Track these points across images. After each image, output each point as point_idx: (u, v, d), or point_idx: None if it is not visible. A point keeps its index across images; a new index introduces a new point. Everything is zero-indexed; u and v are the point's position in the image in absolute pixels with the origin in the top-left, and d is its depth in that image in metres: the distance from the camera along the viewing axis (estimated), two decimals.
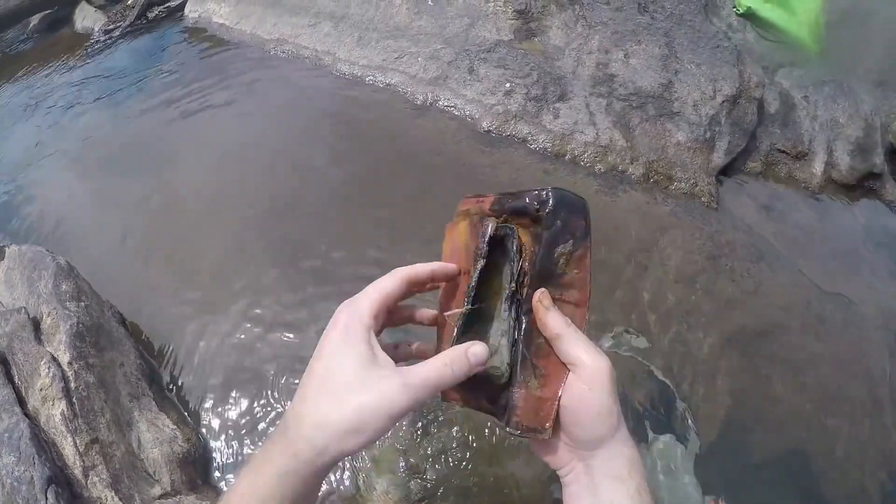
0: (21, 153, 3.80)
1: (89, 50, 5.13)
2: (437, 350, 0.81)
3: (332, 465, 0.69)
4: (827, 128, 3.02)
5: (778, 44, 3.40)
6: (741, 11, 3.44)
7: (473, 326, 0.80)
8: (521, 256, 0.76)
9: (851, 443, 2.03)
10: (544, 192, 0.74)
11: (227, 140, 3.28)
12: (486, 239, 0.78)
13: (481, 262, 0.78)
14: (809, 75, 3.24)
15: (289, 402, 2.02)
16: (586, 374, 0.71)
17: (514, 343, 0.76)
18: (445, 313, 0.84)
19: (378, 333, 0.75)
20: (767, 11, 3.43)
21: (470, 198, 0.88)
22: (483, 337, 0.79)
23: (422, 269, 0.80)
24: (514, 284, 0.76)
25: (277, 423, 0.73)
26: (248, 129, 3.32)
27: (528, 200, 0.75)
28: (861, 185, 2.99)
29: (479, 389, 0.79)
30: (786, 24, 3.41)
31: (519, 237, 0.77)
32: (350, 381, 0.67)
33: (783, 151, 2.92)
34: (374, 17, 3.54)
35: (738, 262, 2.41)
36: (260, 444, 2.01)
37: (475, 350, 0.72)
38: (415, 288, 0.81)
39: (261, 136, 3.24)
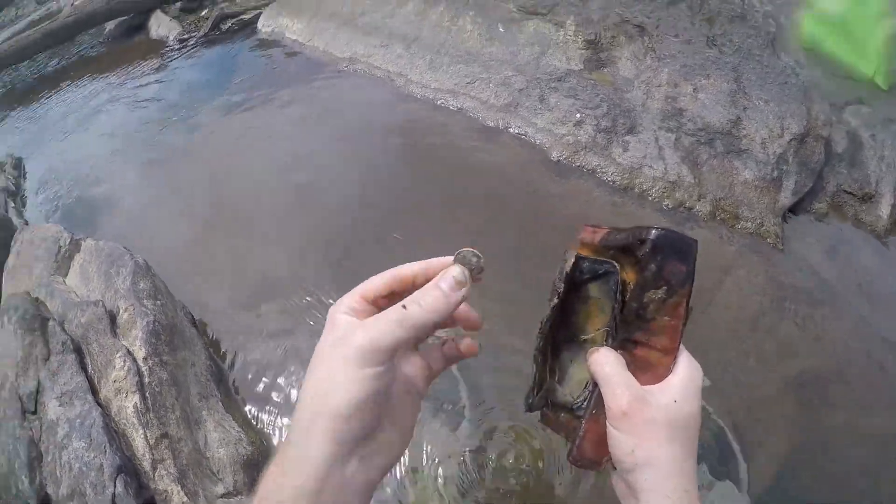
0: (94, 153, 3.97)
1: (164, 58, 5.32)
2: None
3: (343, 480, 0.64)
4: (894, 168, 3.00)
5: (845, 80, 3.39)
6: (808, 46, 3.45)
7: (561, 354, 0.82)
8: (623, 295, 0.74)
9: None
10: (646, 232, 0.70)
11: (295, 154, 3.39)
12: (563, 276, 0.77)
13: (555, 301, 0.77)
14: (877, 113, 3.22)
15: None
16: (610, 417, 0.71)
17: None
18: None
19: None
20: (833, 46, 3.43)
21: (588, 227, 0.83)
22: (582, 370, 0.79)
23: (407, 267, 0.73)
24: (613, 323, 0.75)
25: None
26: (317, 144, 3.44)
27: (630, 238, 0.72)
28: None
29: (570, 422, 0.79)
30: (852, 59, 3.41)
31: (625, 275, 0.74)
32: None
33: (850, 192, 2.92)
34: (445, 40, 3.63)
35: (801, 306, 2.43)
36: None
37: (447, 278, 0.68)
38: (405, 287, 0.72)
39: (330, 153, 3.35)
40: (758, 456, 2.04)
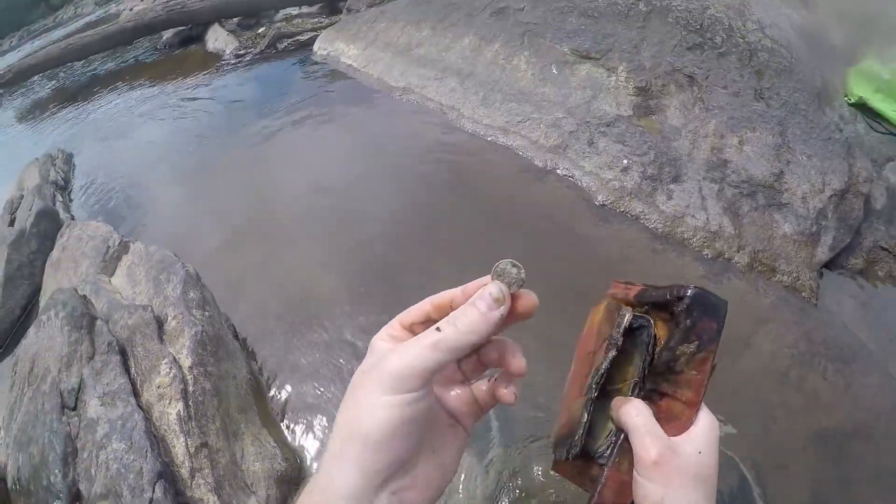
0: (141, 158, 4.13)
1: (219, 70, 5.51)
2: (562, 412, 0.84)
3: None
4: None
5: (888, 135, 3.46)
6: (853, 101, 3.54)
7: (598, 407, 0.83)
8: (653, 349, 0.77)
9: None
10: (683, 290, 0.74)
11: (341, 177, 3.52)
12: (622, 329, 0.78)
13: (613, 353, 0.78)
14: None
15: None
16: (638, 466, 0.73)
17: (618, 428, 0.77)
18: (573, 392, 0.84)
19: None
20: (878, 102, 3.50)
21: (620, 283, 0.86)
22: (603, 418, 0.81)
23: (447, 292, 0.70)
24: (641, 375, 0.78)
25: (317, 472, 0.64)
26: (363, 169, 3.57)
27: (668, 295, 0.75)
28: None
29: (588, 469, 0.81)
30: None
31: (656, 329, 0.77)
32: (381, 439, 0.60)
33: (886, 249, 2.99)
34: (499, 78, 3.77)
35: (832, 361, 2.50)
36: None
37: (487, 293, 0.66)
38: (442, 311, 0.69)
39: (374, 178, 3.48)
40: (780, 503, 2.11)
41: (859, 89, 3.55)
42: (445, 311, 0.68)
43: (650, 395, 0.77)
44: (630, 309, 0.80)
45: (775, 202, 2.95)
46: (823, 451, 2.27)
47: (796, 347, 2.53)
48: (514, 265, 0.69)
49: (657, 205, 2.99)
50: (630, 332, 0.79)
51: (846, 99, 3.54)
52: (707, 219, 2.91)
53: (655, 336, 0.78)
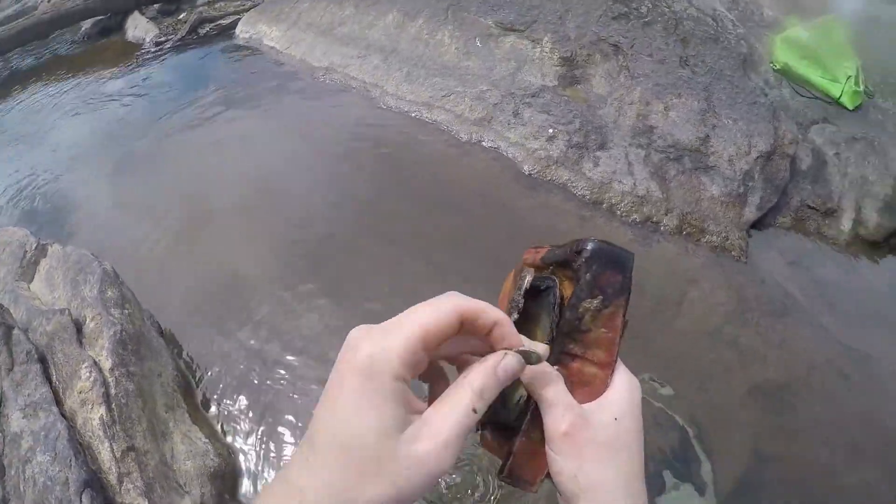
0: (59, 157, 3.92)
1: (139, 59, 5.29)
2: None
3: None
4: (856, 185, 3.09)
5: (812, 100, 3.49)
6: (778, 67, 3.55)
7: None
8: (560, 309, 0.71)
9: (868, 499, 2.07)
10: (582, 244, 0.68)
11: (267, 161, 3.41)
12: (522, 292, 0.74)
13: (515, 316, 0.73)
14: (842, 132, 3.31)
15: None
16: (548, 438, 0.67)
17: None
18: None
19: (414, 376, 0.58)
20: (804, 68, 3.53)
21: (531, 249, 0.80)
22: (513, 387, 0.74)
23: (488, 312, 0.60)
24: (549, 337, 0.71)
25: (275, 480, 0.57)
26: (289, 152, 3.46)
27: (567, 252, 0.70)
28: (888, 243, 3.04)
29: (508, 443, 0.74)
30: (821, 81, 3.51)
31: (562, 289, 0.71)
32: (381, 457, 0.53)
33: (813, 207, 3.01)
34: (423, 53, 3.69)
35: (764, 317, 2.50)
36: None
37: (505, 364, 0.60)
38: (470, 331, 0.60)
39: (302, 161, 3.38)
40: (722, 459, 2.08)
41: (784, 56, 3.57)
42: (477, 328, 0.60)
43: (561, 358, 0.71)
44: (532, 270, 0.75)
45: (702, 165, 2.93)
46: (762, 404, 2.26)
47: (728, 305, 2.52)
48: (536, 356, 0.65)
49: (584, 172, 2.94)
50: (535, 293, 0.74)
51: (771, 65, 3.56)
52: (634, 184, 2.87)
53: (562, 296, 0.71)
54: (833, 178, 3.13)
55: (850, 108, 3.46)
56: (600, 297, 0.68)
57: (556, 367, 0.70)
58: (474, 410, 0.57)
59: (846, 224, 3.01)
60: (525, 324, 0.76)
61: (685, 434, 2.13)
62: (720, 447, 2.12)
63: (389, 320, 0.57)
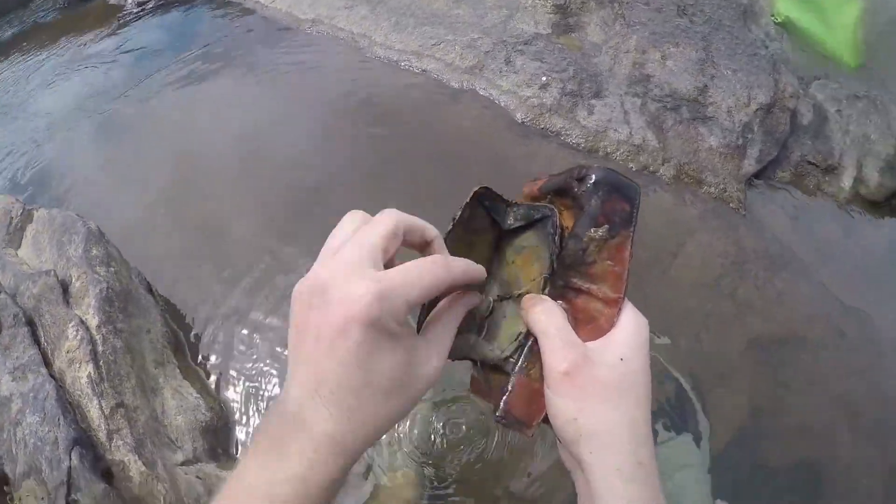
0: (47, 121, 3.83)
1: (121, 21, 5.14)
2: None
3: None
4: (858, 143, 3.00)
5: (814, 55, 3.41)
6: (779, 20, 3.45)
7: (495, 313, 0.72)
8: (561, 240, 0.67)
9: (861, 459, 2.04)
10: (585, 170, 0.64)
11: (256, 117, 3.30)
12: (456, 218, 0.69)
13: (449, 227, 0.69)
14: (844, 89, 3.23)
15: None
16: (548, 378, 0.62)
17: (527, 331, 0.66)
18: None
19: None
20: (806, 22, 3.43)
21: (529, 181, 0.77)
22: (499, 324, 0.71)
23: (426, 228, 0.63)
24: (550, 269, 0.67)
25: (278, 400, 0.58)
26: (277, 107, 3.35)
27: (567, 178, 0.66)
28: (888, 203, 2.97)
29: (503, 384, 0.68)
30: (823, 35, 3.42)
31: (563, 219, 0.67)
32: (393, 387, 0.54)
33: (813, 163, 2.92)
34: (411, 2, 3.56)
35: (762, 270, 2.43)
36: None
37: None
38: (408, 244, 0.63)
39: (290, 116, 3.26)
40: (717, 412, 2.03)
41: (787, 9, 3.46)
42: (414, 243, 0.63)
43: (564, 292, 0.67)
44: (476, 188, 0.72)
45: (700, 116, 2.84)
46: (759, 358, 2.19)
47: (726, 257, 2.44)
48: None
49: (578, 120, 2.83)
50: (532, 225, 0.71)
51: (773, 18, 3.45)
52: (630, 132, 2.77)
53: (562, 226, 0.67)
54: (834, 134, 3.04)
55: (853, 64, 3.37)
56: (606, 226, 0.63)
57: (559, 302, 0.66)
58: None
59: (846, 182, 2.92)
60: (519, 258, 0.73)
61: (680, 386, 2.06)
62: (716, 399, 2.06)
63: (345, 251, 0.57)
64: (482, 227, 0.74)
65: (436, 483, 1.83)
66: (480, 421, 1.91)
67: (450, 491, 1.81)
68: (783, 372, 2.18)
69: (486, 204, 0.73)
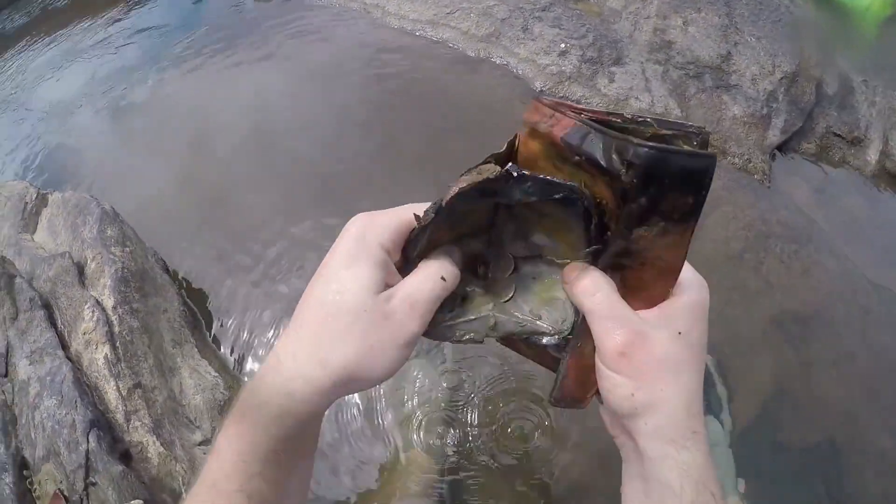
0: (60, 106, 3.79)
1: (129, 2, 5.08)
2: None
3: (331, 403, 0.61)
4: (884, 115, 2.93)
5: (842, 23, 3.33)
6: None
7: (522, 269, 0.65)
8: (598, 217, 0.54)
9: (884, 440, 2.00)
10: (631, 149, 0.47)
11: (268, 92, 3.24)
12: (432, 212, 0.61)
13: (416, 229, 0.63)
14: (871, 59, 3.16)
15: None
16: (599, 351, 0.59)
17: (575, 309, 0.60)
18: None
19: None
20: None
21: (543, 103, 0.62)
22: (528, 286, 0.64)
23: None
24: (596, 238, 0.56)
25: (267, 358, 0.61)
26: (290, 81, 3.29)
27: (608, 157, 0.49)
28: None
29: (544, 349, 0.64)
30: (851, 1, 3.32)
31: (597, 191, 0.53)
32: (356, 309, 0.55)
33: (838, 135, 2.84)
34: None
35: (787, 243, 2.36)
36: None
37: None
38: None
39: (304, 89, 3.20)
40: (741, 389, 1.99)
41: None
42: None
43: (612, 262, 0.58)
44: (493, 166, 0.61)
45: (723, 83, 2.76)
46: (783, 335, 2.14)
47: (751, 230, 2.37)
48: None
49: (599, 88, 2.75)
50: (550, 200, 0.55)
51: None
52: (652, 100, 2.70)
53: (599, 202, 0.53)
54: (860, 106, 2.96)
55: (881, 16, 3.27)
56: (661, 223, 0.52)
57: (607, 273, 0.58)
58: (443, 278, 0.59)
59: (872, 155, 2.84)
60: (537, 218, 0.63)
61: (705, 364, 2.00)
62: (739, 377, 2.02)
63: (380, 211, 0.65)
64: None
65: (457, 451, 1.82)
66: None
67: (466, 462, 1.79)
68: (806, 349, 2.12)
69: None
